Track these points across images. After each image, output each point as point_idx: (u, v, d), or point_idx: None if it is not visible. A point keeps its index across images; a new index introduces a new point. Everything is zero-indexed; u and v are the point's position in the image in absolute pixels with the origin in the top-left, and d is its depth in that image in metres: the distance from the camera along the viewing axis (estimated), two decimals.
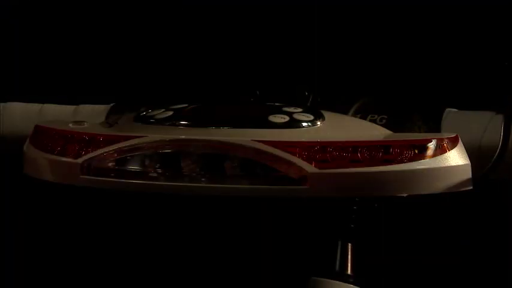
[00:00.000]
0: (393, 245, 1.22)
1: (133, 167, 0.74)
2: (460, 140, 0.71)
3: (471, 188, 0.71)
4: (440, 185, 0.69)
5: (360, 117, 0.90)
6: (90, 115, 1.01)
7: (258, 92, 0.99)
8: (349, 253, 0.80)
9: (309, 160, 0.68)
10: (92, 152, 0.75)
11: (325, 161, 0.68)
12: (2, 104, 1.05)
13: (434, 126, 0.84)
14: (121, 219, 1.23)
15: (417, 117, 0.87)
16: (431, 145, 0.69)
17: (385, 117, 0.89)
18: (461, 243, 1.24)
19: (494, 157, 0.71)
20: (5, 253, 1.36)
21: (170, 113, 0.78)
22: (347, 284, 0.78)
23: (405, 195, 0.69)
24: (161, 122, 0.77)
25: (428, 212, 1.18)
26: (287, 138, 0.70)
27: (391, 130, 0.79)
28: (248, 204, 0.80)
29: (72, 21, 1.42)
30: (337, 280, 0.78)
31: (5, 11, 1.37)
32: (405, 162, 0.68)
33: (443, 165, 0.69)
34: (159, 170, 0.73)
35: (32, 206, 1.39)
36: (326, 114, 0.78)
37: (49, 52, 1.42)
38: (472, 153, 0.72)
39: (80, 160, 0.75)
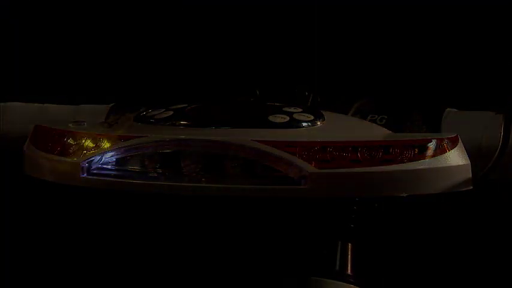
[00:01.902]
0: (393, 245, 1.22)
1: (133, 167, 0.74)
2: (460, 140, 0.71)
3: (471, 188, 0.71)
4: (440, 185, 0.69)
5: (360, 117, 0.90)
6: (90, 115, 1.01)
7: (258, 92, 0.99)
8: (349, 253, 0.80)
9: (309, 160, 0.68)
10: (91, 152, 0.75)
11: (325, 161, 0.68)
12: (2, 104, 1.05)
13: (434, 126, 0.84)
14: (121, 219, 1.23)
15: (417, 117, 0.86)
16: (431, 145, 0.69)
17: (385, 117, 0.89)
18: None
19: (494, 157, 0.71)
20: (5, 252, 1.36)
21: (170, 113, 0.78)
22: (347, 284, 0.78)
23: (405, 195, 0.69)
24: (161, 122, 0.77)
25: (428, 212, 1.18)
26: (287, 138, 0.70)
27: (391, 130, 0.79)
28: (248, 204, 0.80)
29: (72, 22, 1.42)
30: (337, 280, 0.77)
31: (5, 11, 1.37)
32: (405, 162, 0.68)
33: (443, 165, 0.68)
34: (159, 170, 0.73)
35: (32, 206, 1.39)
36: (326, 114, 0.78)
37: (49, 52, 1.42)
38: (472, 153, 0.72)
39: (80, 160, 0.75)
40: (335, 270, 0.79)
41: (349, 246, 0.80)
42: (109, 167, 0.75)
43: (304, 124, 0.74)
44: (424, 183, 0.69)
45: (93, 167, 0.75)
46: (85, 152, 0.76)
